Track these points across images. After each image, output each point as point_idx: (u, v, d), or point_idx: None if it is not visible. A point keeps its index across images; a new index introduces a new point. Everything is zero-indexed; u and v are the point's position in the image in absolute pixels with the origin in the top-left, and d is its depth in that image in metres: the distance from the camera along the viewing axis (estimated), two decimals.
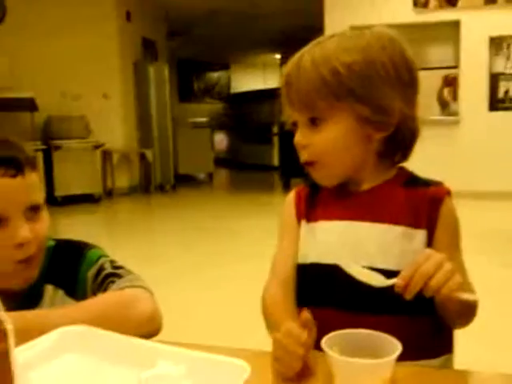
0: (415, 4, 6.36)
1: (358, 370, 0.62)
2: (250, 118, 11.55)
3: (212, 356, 0.64)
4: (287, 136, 7.60)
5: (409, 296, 0.70)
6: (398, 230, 0.85)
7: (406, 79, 0.86)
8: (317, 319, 0.90)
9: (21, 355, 0.57)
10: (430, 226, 0.85)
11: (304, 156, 0.89)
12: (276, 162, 9.87)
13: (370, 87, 0.84)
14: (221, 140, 12.43)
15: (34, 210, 0.84)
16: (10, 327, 0.53)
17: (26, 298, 0.88)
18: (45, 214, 0.87)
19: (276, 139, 9.87)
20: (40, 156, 5.94)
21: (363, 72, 0.83)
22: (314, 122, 0.87)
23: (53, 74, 6.64)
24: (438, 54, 6.47)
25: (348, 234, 0.88)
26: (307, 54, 0.87)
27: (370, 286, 0.74)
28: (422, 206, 0.86)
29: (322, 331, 0.69)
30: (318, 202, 0.95)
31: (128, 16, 7.49)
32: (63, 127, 6.55)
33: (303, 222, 0.95)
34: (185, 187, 8.42)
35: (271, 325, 0.96)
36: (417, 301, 0.71)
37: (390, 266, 0.82)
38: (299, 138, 0.89)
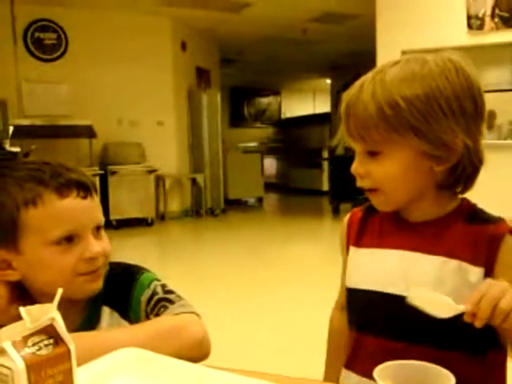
0: (470, 26, 6.24)
1: None
2: (300, 143, 11.57)
3: (262, 383, 0.64)
4: (337, 161, 7.65)
5: (479, 324, 0.68)
6: (454, 263, 0.82)
7: (470, 111, 0.82)
8: (363, 345, 0.90)
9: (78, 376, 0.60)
10: (489, 265, 0.81)
11: (361, 183, 0.88)
12: (326, 187, 9.80)
13: (431, 122, 0.80)
14: (270, 165, 12.49)
15: (98, 229, 0.90)
16: (73, 348, 0.55)
17: (86, 319, 0.92)
18: (105, 234, 0.93)
19: (326, 164, 9.83)
20: (97, 181, 6.17)
21: (424, 106, 0.80)
22: (373, 154, 0.85)
23: (110, 102, 6.92)
24: (493, 76, 6.29)
25: (401, 264, 0.86)
26: (368, 84, 0.84)
27: (419, 318, 0.72)
28: (480, 244, 0.82)
29: (370, 358, 0.68)
30: (371, 228, 0.94)
31: (183, 46, 7.74)
32: (119, 153, 6.79)
33: (352, 247, 0.95)
34: (235, 211, 8.49)
35: (327, 353, 0.99)
36: (465, 335, 0.69)
37: None
38: (357, 166, 0.87)
